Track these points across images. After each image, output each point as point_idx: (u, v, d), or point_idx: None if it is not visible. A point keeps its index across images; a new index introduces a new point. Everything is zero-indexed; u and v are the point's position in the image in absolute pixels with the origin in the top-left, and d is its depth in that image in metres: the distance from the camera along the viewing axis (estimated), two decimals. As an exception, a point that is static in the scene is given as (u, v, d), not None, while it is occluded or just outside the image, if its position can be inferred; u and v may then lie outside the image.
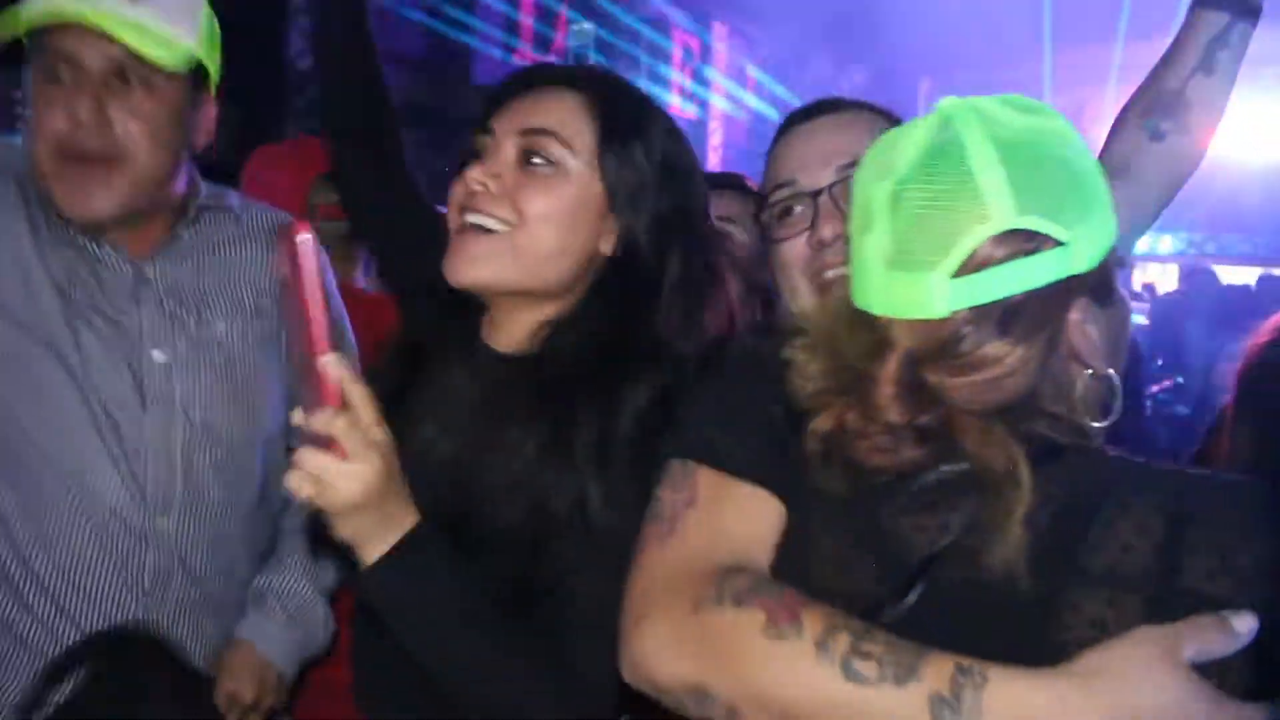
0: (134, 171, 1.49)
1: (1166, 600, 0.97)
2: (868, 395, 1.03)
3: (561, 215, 1.35)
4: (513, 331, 1.40)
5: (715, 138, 9.31)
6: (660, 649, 1.03)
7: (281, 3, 8.47)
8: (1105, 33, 8.26)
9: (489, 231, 1.34)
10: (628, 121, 1.40)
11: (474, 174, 1.36)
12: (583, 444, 1.26)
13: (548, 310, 1.39)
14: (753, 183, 2.73)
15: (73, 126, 1.45)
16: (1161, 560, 0.98)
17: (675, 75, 9.12)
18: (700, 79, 9.35)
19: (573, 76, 1.43)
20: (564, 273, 1.38)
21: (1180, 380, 6.40)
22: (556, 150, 1.36)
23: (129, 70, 1.46)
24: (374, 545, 1.19)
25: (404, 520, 1.20)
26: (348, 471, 1.12)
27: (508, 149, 1.37)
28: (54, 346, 1.51)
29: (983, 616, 0.99)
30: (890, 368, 1.02)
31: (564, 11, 9.13)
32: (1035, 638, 0.97)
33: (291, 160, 2.81)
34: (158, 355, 1.57)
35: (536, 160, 1.36)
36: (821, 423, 1.06)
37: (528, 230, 1.34)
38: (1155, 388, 6.21)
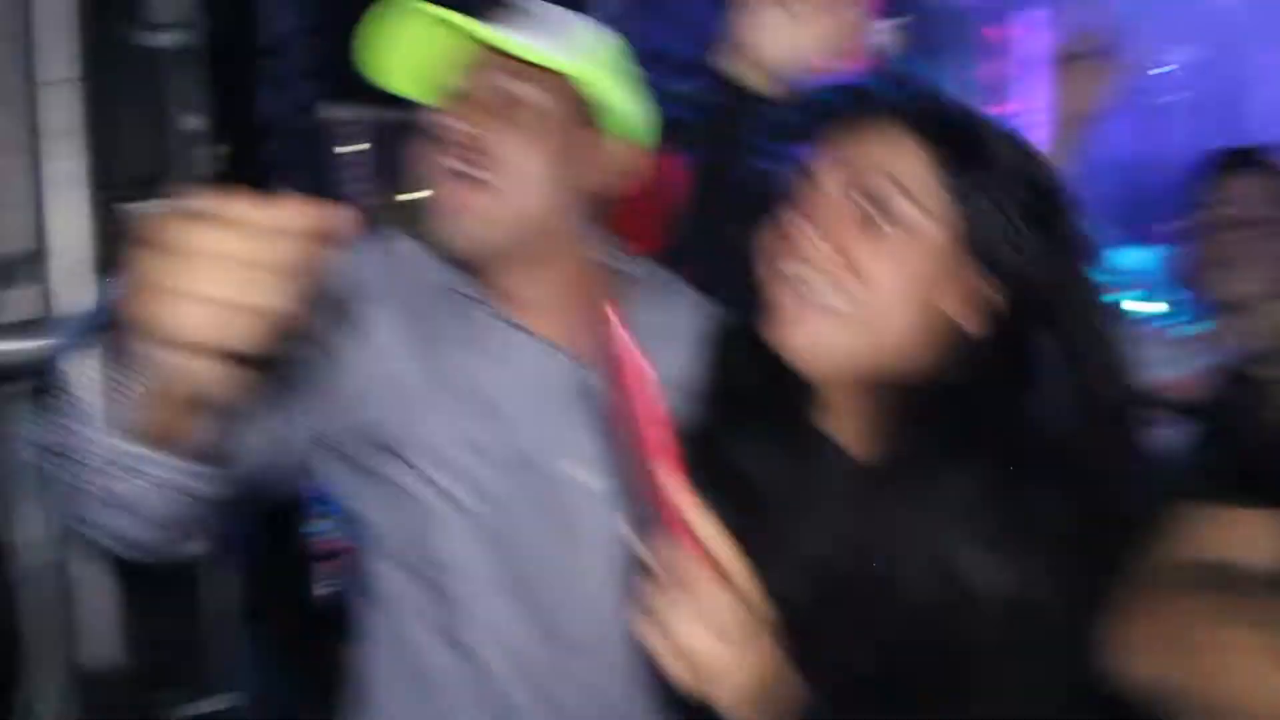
0: (508, 193, 1.42)
1: None
2: None
3: (914, 284, 1.18)
4: (855, 417, 1.26)
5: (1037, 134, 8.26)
6: (1129, 644, 1.02)
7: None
8: None
9: (828, 302, 1.18)
10: (975, 152, 1.19)
11: (803, 233, 1.19)
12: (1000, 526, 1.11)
13: (894, 391, 1.22)
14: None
15: (453, 151, 1.42)
16: None
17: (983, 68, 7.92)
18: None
19: (898, 103, 1.22)
20: (918, 349, 1.20)
21: None
22: (900, 204, 1.17)
23: (504, 96, 1.43)
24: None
25: (789, 693, 1.06)
26: (737, 664, 1.00)
27: (838, 202, 1.19)
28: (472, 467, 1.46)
29: None
30: None
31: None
32: None
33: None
34: (588, 479, 1.48)
35: (877, 217, 1.17)
36: None
37: (876, 305, 1.17)
38: None
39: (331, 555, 2.54)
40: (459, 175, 1.42)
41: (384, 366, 1.45)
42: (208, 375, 0.96)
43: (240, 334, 0.92)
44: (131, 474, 1.08)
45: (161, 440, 1.06)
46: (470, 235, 1.43)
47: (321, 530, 2.55)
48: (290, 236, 0.91)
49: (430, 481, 1.46)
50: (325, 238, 0.93)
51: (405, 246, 1.55)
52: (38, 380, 1.69)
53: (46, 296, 1.69)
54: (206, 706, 1.79)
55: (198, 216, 0.90)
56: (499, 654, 1.47)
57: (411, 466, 1.45)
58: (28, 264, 1.69)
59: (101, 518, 1.15)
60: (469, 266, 1.50)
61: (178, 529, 1.20)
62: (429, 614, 1.48)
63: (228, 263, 0.90)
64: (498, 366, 1.49)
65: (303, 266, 0.92)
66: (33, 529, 1.73)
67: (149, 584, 1.72)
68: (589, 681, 1.49)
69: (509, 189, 1.42)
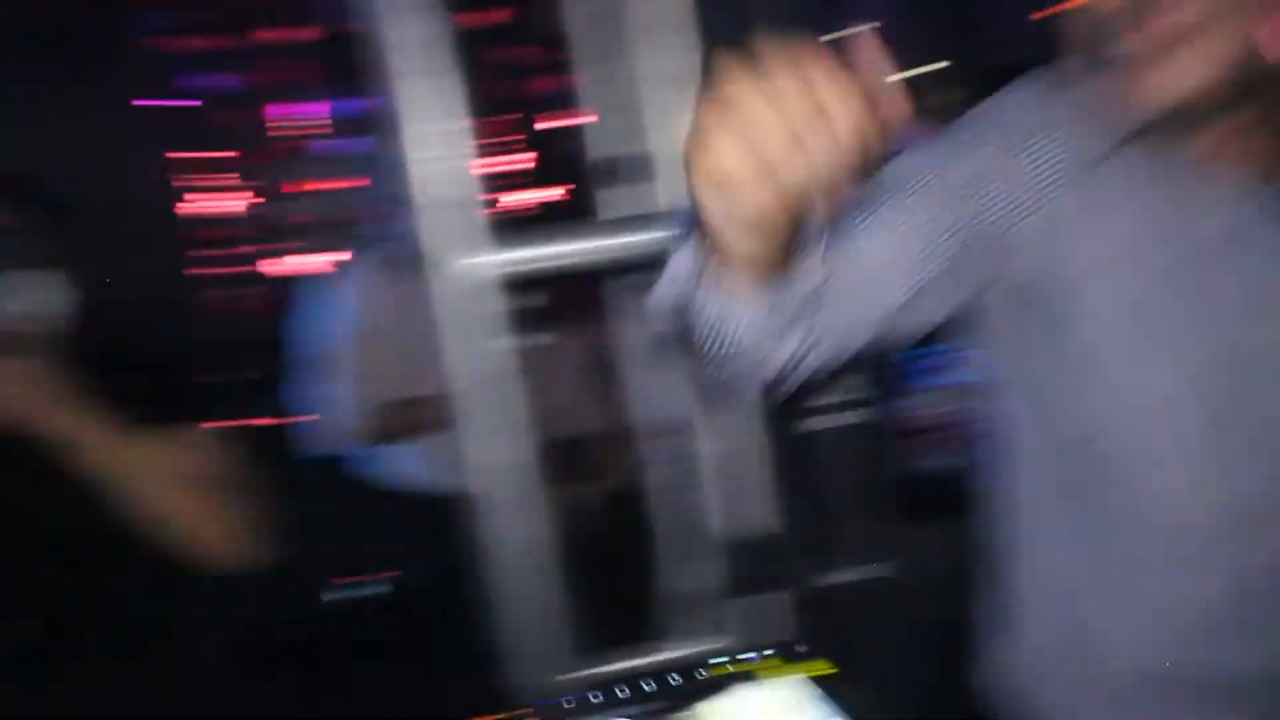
0: (1208, 43, 1.28)
1: None
2: None
3: None
4: None
5: None
6: None
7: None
8: None
9: None
10: None
11: None
12: None
13: None
14: None
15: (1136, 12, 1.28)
16: None
17: None
18: None
19: None
20: None
21: None
22: None
23: None
24: None
25: None
26: None
27: None
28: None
29: None
30: None
31: None
32: None
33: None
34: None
35: None
36: None
37: None
38: None
39: (925, 431, 2.54)
40: (1146, 35, 1.31)
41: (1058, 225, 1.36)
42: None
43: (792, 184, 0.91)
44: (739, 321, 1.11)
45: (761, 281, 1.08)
46: (1154, 97, 1.32)
47: (912, 405, 2.55)
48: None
49: (1103, 345, 1.36)
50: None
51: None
52: (649, 274, 1.80)
53: (656, 193, 1.79)
54: (849, 575, 1.87)
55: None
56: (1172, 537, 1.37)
57: (1082, 321, 1.36)
58: (639, 162, 1.79)
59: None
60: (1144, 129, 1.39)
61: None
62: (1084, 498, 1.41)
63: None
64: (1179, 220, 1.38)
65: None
66: (661, 408, 1.87)
67: (794, 451, 1.82)
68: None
69: (1195, 46, 1.30)
